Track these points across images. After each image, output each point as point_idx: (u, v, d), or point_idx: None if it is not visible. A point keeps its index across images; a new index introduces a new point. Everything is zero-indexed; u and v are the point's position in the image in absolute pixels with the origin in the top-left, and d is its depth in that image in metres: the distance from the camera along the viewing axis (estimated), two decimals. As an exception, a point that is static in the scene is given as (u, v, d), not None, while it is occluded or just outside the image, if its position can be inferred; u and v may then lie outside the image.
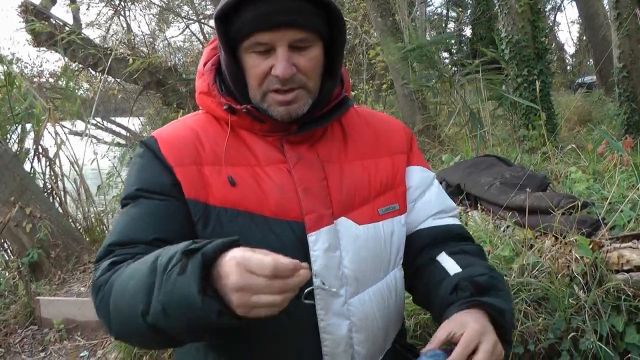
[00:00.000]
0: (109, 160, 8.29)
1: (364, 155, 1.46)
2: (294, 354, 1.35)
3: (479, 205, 3.63)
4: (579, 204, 2.96)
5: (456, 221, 1.53)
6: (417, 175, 1.52)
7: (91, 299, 1.24)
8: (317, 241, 1.31)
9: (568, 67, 25.18)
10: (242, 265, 0.98)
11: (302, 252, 1.29)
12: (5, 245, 5.47)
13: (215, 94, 1.38)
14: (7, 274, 5.21)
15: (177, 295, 1.01)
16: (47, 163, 6.09)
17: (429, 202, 1.51)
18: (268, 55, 1.29)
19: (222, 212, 1.30)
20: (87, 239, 5.87)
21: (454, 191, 3.89)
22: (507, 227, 3.20)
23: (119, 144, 12.52)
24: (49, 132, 6.21)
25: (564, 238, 2.76)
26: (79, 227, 6.03)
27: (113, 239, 1.28)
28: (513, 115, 6.52)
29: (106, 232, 6.18)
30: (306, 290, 1.28)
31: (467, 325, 1.17)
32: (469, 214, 3.62)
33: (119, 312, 1.14)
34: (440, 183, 4.03)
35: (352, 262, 1.33)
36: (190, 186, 1.30)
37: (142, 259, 1.16)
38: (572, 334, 2.37)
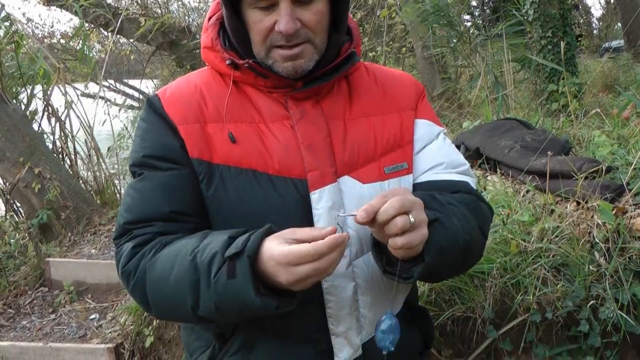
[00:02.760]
0: (121, 121, 8.26)
1: (370, 112, 1.42)
2: (298, 316, 1.31)
3: (498, 169, 3.58)
4: (603, 169, 2.89)
5: (463, 178, 1.45)
6: (421, 129, 1.46)
7: (122, 283, 1.31)
8: (320, 199, 1.29)
9: (594, 31, 24.67)
10: (284, 263, 1.06)
11: (304, 211, 1.28)
12: (15, 206, 5.50)
13: (218, 49, 1.36)
14: (17, 235, 5.26)
15: (231, 297, 1.10)
16: (57, 123, 6.08)
17: (428, 156, 1.44)
18: (271, 10, 1.25)
19: (225, 170, 1.29)
20: (98, 201, 5.91)
21: (473, 155, 3.84)
22: (527, 191, 3.15)
23: (132, 107, 12.50)
24: (61, 92, 6.20)
25: (586, 203, 2.70)
26: (89, 189, 6.07)
27: (128, 218, 1.30)
28: (536, 79, 6.38)
29: (117, 194, 6.20)
30: None
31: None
32: (488, 178, 3.57)
33: (162, 302, 1.22)
34: (459, 147, 4.00)
35: (356, 223, 1.27)
36: (194, 145, 1.30)
37: (173, 248, 1.21)
38: (592, 302, 2.34)
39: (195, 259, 1.14)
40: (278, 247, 1.07)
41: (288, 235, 1.10)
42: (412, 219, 1.11)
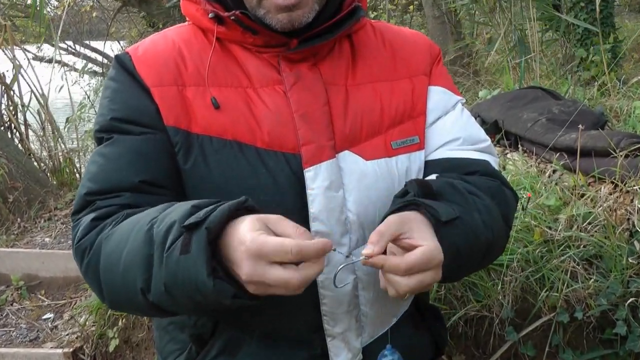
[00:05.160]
0: (81, 88, 8.21)
1: (377, 77, 1.42)
2: (288, 314, 1.34)
3: (520, 145, 3.56)
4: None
5: (482, 156, 1.45)
6: (435, 98, 1.46)
7: (76, 264, 1.27)
8: (315, 178, 1.28)
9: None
10: (255, 253, 1.00)
11: (297, 191, 1.28)
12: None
13: (200, 0, 1.35)
14: (-47, 220, 5.22)
15: (182, 277, 1.04)
16: (4, 91, 6.04)
17: (443, 129, 1.44)
18: None
19: (205, 141, 1.29)
20: (54, 181, 5.90)
21: (491, 129, 3.83)
22: (554, 171, 3.14)
23: (94, 72, 12.44)
24: (7, 55, 6.14)
25: (624, 185, 2.69)
26: (43, 168, 6.06)
27: (91, 187, 1.28)
28: (566, 42, 6.36)
29: (77, 174, 6.18)
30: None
31: (421, 237, 1.14)
32: (508, 156, 3.56)
33: (113, 285, 1.18)
34: (475, 119, 3.99)
35: (357, 205, 1.31)
36: (170, 111, 1.29)
37: (134, 217, 1.18)
38: (631, 299, 2.32)
39: (151, 229, 1.10)
40: (254, 233, 1.01)
41: (271, 221, 1.05)
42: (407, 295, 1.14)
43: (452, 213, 1.19)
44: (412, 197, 1.22)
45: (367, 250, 1.11)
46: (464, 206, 1.24)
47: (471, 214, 1.24)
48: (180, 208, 1.10)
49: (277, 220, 1.06)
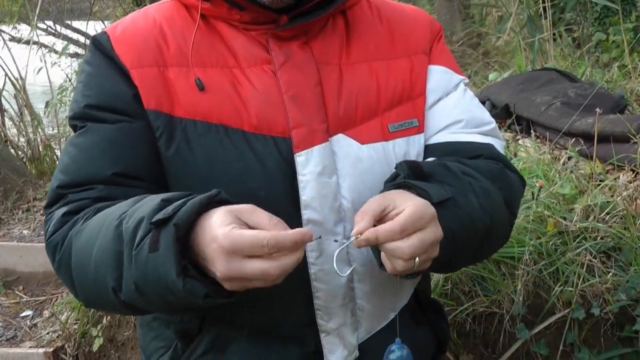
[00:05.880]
0: (62, 70, 8.20)
1: (373, 56, 1.42)
2: (279, 309, 1.34)
3: (532, 131, 3.58)
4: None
5: (486, 139, 1.45)
6: (436, 77, 1.46)
7: (48, 258, 1.29)
8: (307, 163, 1.29)
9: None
10: (228, 250, 1.00)
11: (288, 176, 1.29)
12: None
13: None
14: None
15: (152, 276, 1.05)
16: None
17: (443, 111, 1.45)
18: None
19: (189, 124, 1.29)
20: (33, 170, 5.90)
21: (501, 114, 3.85)
22: (569, 158, 3.14)
23: (75, 55, 12.39)
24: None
25: (645, 172, 2.68)
26: (21, 156, 6.06)
27: (63, 180, 1.30)
28: (582, 20, 6.34)
29: (57, 162, 6.16)
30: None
31: (404, 202, 1.14)
32: (520, 142, 3.57)
33: (85, 282, 1.20)
34: (484, 103, 3.99)
35: (352, 192, 1.31)
36: (150, 93, 1.30)
37: (104, 212, 1.19)
38: (653, 294, 2.31)
39: (120, 225, 1.11)
40: (226, 228, 1.02)
41: (244, 213, 1.06)
42: (417, 261, 1.11)
43: (443, 194, 1.19)
44: (402, 179, 1.22)
45: (355, 229, 1.11)
46: (457, 187, 1.24)
47: (466, 196, 1.24)
48: (150, 202, 1.10)
49: (250, 210, 1.06)
